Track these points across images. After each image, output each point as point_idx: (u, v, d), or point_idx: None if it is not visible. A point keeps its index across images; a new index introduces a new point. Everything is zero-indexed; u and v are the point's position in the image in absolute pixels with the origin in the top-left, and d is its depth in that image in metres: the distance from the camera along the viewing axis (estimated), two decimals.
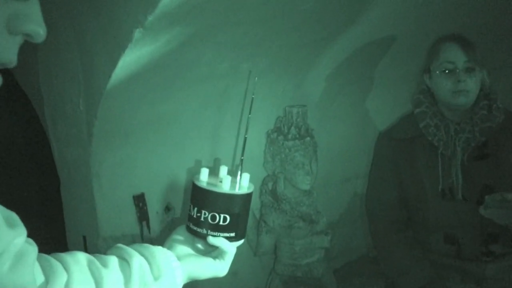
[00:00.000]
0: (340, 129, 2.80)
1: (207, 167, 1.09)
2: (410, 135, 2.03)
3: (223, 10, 1.67)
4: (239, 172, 1.06)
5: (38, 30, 0.65)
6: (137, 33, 1.53)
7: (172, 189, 2.28)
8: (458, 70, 1.88)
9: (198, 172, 1.07)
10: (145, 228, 2.20)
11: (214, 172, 1.09)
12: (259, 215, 2.56)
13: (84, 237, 2.19)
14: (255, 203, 2.58)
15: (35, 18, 0.65)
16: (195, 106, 2.16)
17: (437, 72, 1.94)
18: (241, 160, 1.08)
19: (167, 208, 2.26)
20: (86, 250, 2.17)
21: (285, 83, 2.37)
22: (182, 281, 1.01)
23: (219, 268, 1.06)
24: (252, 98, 1.13)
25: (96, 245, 2.11)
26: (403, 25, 2.35)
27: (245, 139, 1.10)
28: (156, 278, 0.95)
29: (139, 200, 2.16)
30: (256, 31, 1.90)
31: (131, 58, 1.65)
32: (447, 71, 1.91)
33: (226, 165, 1.09)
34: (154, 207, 2.23)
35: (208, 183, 1.05)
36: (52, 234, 2.31)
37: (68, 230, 2.33)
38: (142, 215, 2.18)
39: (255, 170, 2.50)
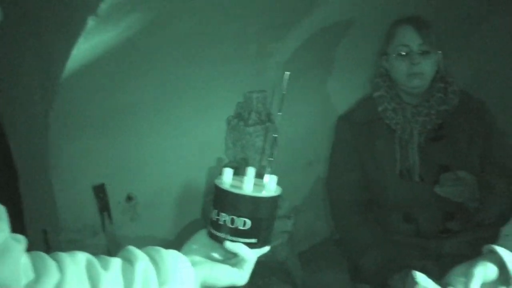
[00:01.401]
0: (301, 114, 2.81)
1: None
2: (369, 118, 2.06)
3: None
4: (265, 174, 1.01)
5: None
6: (90, 21, 1.50)
7: (133, 178, 2.26)
8: (413, 53, 1.91)
9: (221, 173, 1.01)
10: (106, 219, 2.19)
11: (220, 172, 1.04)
12: None
13: (45, 231, 2.16)
14: None
15: None
16: (156, 94, 2.14)
17: (393, 55, 1.97)
18: (269, 161, 1.03)
19: (129, 198, 2.25)
20: (47, 243, 2.15)
21: (245, 69, 2.37)
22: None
23: (237, 276, 0.99)
24: (283, 94, 1.06)
25: (57, 238, 2.08)
26: (361, 8, 2.37)
27: (275, 138, 1.05)
28: (161, 284, 0.90)
29: (99, 191, 2.14)
30: (214, 18, 1.89)
31: (86, 47, 1.63)
32: (402, 54, 1.94)
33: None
34: (115, 197, 2.22)
35: (230, 185, 0.99)
36: (12, 229, 2.27)
37: (28, 224, 2.30)
38: (103, 205, 2.16)
39: (216, 157, 2.51)
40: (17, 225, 0.93)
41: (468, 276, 1.18)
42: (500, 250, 1.20)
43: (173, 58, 1.99)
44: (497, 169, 2.00)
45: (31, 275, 0.78)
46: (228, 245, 0.97)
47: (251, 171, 1.00)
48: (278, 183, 1.01)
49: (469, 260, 1.86)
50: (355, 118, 2.11)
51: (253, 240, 0.97)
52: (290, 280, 2.49)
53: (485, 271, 1.18)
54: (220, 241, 0.98)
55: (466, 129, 2.00)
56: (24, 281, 0.76)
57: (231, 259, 1.01)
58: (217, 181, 1.00)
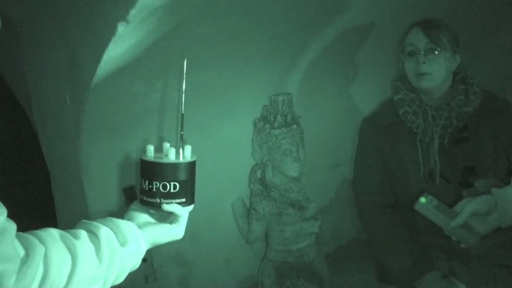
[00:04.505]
0: (326, 116, 2.82)
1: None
2: (391, 121, 2.06)
3: (205, 1, 1.68)
4: (180, 145, 1.16)
5: None
6: (120, 27, 1.54)
7: None
8: (419, 52, 1.91)
9: (145, 150, 1.17)
10: None
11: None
12: (249, 203, 2.58)
13: None
14: (245, 192, 2.60)
15: None
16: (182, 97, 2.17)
17: (404, 55, 1.98)
18: (181, 134, 1.18)
19: None
20: None
21: (270, 71, 2.39)
22: (145, 247, 1.10)
23: (176, 231, 1.16)
24: (184, 77, 1.21)
25: None
26: (382, 12, 2.38)
27: (182, 115, 1.19)
28: (122, 245, 1.04)
29: (129, 193, 2.17)
30: (239, 21, 1.91)
31: (116, 52, 1.67)
32: (411, 54, 1.95)
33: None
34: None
35: (154, 157, 1.15)
36: None
37: (60, 224, 2.35)
38: None
39: (243, 159, 2.53)
40: (51, 225, 1.01)
41: (465, 207, 1.59)
42: (497, 193, 1.55)
43: (199, 60, 2.02)
44: None
45: (22, 251, 0.89)
46: (166, 206, 1.13)
47: (167, 145, 1.18)
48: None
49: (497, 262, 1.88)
50: (378, 120, 2.11)
51: (183, 200, 1.15)
52: (317, 281, 2.50)
53: (478, 205, 1.57)
54: (154, 205, 1.13)
55: (490, 129, 1.97)
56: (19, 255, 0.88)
57: (166, 219, 1.18)
58: (144, 157, 1.15)
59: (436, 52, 1.90)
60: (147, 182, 1.13)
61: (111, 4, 1.55)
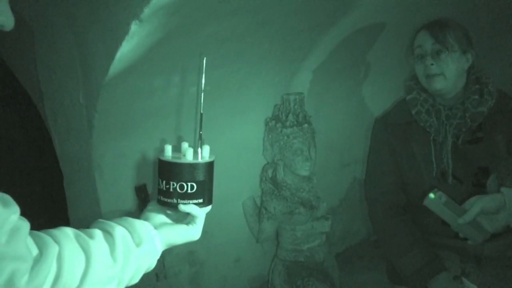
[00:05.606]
0: (337, 115, 2.82)
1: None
2: (405, 121, 2.05)
3: (218, 0, 1.69)
4: (199, 145, 1.15)
5: (9, 22, 0.80)
6: (133, 26, 1.55)
7: None
8: (426, 54, 1.90)
9: (162, 150, 1.15)
10: None
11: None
12: (260, 202, 2.59)
13: None
14: (256, 191, 2.61)
15: (4, 11, 0.78)
16: (194, 95, 2.18)
17: (413, 58, 1.97)
18: (200, 134, 1.16)
19: None
20: None
21: (280, 71, 2.39)
22: (161, 247, 1.10)
23: (193, 232, 1.15)
24: (203, 76, 1.19)
25: None
26: (394, 11, 2.37)
27: (201, 115, 1.18)
28: (137, 245, 1.04)
29: (141, 191, 2.18)
30: (251, 20, 1.91)
31: (129, 50, 1.67)
32: (419, 57, 1.93)
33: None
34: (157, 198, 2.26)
35: (172, 157, 1.14)
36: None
37: (72, 223, 2.37)
38: (145, 205, 2.20)
39: (254, 158, 2.53)
40: (63, 224, 1.02)
41: (473, 204, 1.60)
42: (506, 192, 1.57)
43: (210, 59, 2.02)
44: None
45: (35, 249, 0.89)
46: (182, 207, 1.12)
47: (185, 145, 1.17)
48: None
49: (509, 263, 1.86)
50: (391, 120, 2.10)
51: (200, 200, 1.13)
52: (328, 280, 2.50)
53: (486, 203, 1.58)
54: (171, 205, 1.13)
55: (505, 130, 1.96)
56: (32, 254, 0.88)
57: (183, 220, 1.17)
58: (161, 157, 1.14)
59: (443, 53, 1.89)
60: (164, 182, 1.12)
61: (125, 2, 1.56)
